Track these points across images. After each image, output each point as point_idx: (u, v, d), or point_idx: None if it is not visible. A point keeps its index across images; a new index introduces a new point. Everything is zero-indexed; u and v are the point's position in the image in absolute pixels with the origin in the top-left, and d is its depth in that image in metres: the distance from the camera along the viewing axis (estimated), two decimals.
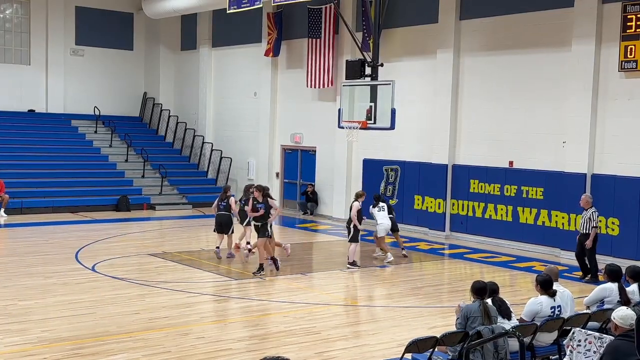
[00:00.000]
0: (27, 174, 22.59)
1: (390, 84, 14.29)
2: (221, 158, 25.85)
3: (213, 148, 26.31)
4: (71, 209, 21.67)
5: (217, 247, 14.94)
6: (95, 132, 26.29)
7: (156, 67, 28.46)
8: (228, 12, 20.80)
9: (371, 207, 15.34)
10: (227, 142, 26.02)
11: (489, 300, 7.67)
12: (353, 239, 14.38)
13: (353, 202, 14.69)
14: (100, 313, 10.54)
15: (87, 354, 8.65)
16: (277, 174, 24.32)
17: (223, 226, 14.99)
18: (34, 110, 26.51)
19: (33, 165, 23.20)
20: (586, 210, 13.92)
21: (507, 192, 17.63)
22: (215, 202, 15.40)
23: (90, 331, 9.61)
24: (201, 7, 24.25)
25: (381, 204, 15.38)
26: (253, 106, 24.86)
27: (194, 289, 12.34)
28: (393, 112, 14.12)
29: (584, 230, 13.85)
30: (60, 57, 26.89)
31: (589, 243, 13.70)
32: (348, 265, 14.43)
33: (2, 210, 20.50)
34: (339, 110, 15.41)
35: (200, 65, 26.93)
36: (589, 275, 13.79)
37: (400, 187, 20.18)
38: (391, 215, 15.39)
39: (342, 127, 15.40)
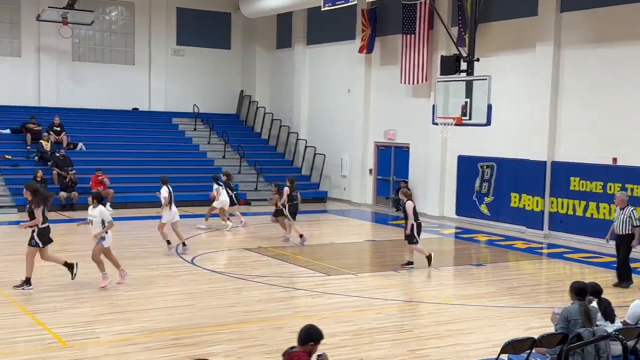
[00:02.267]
0: (131, 170, 23.59)
1: (486, 79, 14.03)
2: (315, 155, 26.09)
3: (307, 145, 26.59)
4: None
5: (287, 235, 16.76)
6: (195, 129, 27.15)
7: (252, 65, 29.03)
8: (323, 9, 20.96)
9: (217, 186, 18.38)
10: (321, 138, 26.23)
11: (594, 302, 7.43)
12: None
13: (407, 201, 14.00)
14: (198, 305, 10.88)
15: (185, 344, 8.94)
16: (370, 171, 24.31)
17: (296, 214, 16.62)
18: (137, 109, 27.65)
19: (136, 161, 24.21)
20: (622, 209, 12.87)
21: (610, 190, 16.91)
22: (284, 194, 16.68)
23: (189, 322, 9.93)
24: (296, 5, 24.53)
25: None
26: (347, 103, 24.95)
27: (288, 284, 12.53)
28: (489, 107, 13.85)
29: (623, 231, 12.81)
30: (162, 57, 27.92)
31: (634, 242, 12.78)
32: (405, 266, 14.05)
33: (108, 204, 21.45)
34: (433, 106, 15.23)
35: (295, 63, 27.25)
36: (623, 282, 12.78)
37: (496, 185, 19.76)
38: (232, 193, 18.96)
39: (436, 124, 15.24)
